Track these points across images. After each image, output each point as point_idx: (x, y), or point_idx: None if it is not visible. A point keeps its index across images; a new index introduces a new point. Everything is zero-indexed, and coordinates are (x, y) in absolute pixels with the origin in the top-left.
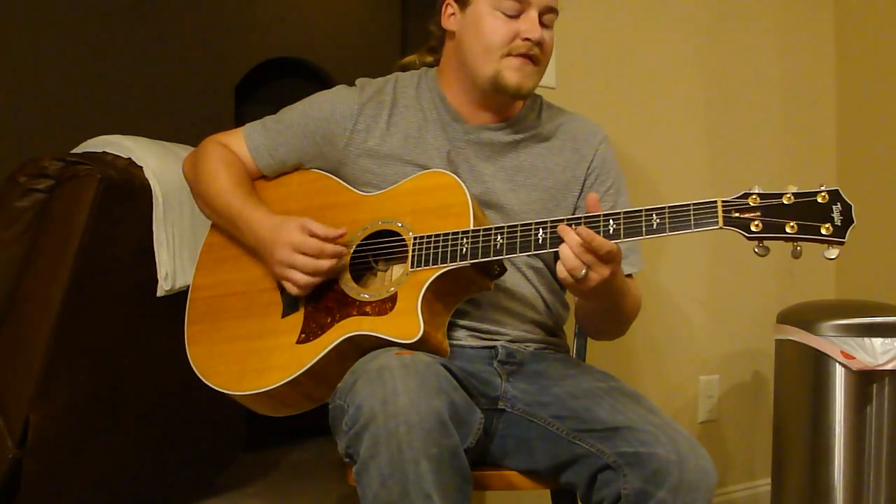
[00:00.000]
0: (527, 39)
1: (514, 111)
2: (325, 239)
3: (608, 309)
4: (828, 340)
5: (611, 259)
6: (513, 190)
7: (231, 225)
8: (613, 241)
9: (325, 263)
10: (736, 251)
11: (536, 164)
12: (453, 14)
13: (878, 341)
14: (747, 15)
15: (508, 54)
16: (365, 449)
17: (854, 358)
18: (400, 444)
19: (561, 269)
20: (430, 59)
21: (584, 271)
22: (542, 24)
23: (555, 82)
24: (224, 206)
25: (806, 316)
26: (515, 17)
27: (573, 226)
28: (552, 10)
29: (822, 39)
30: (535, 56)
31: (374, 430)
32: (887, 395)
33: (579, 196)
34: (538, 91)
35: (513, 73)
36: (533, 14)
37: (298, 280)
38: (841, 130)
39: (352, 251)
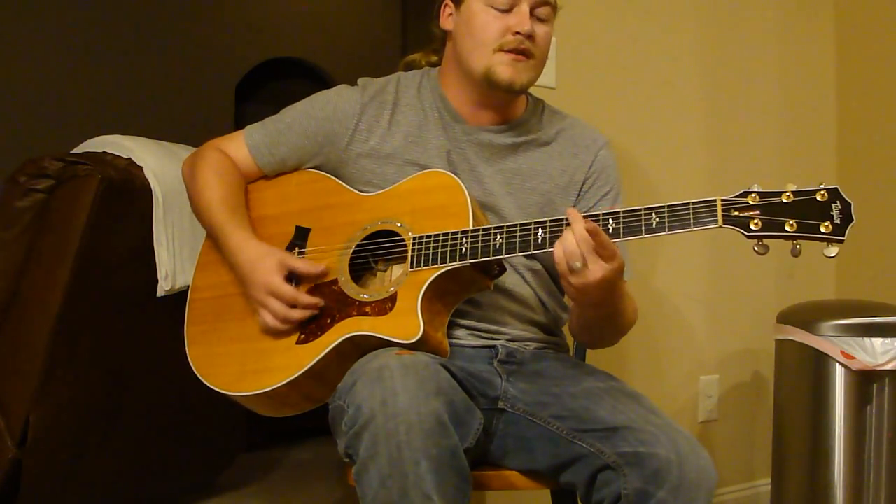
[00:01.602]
0: (517, 34)
1: (516, 113)
2: (306, 275)
3: (607, 317)
4: (828, 340)
5: (609, 257)
6: (510, 193)
7: (215, 242)
8: (613, 240)
9: (296, 314)
10: (736, 251)
11: (535, 168)
12: (451, 14)
13: (878, 341)
14: (747, 15)
15: (500, 49)
16: (364, 449)
17: (854, 358)
18: (399, 445)
19: (559, 256)
20: (434, 58)
21: (579, 263)
22: (537, 18)
23: (555, 82)
24: (209, 221)
25: (806, 316)
26: (507, 11)
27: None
28: (546, 3)
29: (822, 40)
30: (528, 50)
31: (373, 431)
32: (887, 395)
33: (576, 201)
34: (541, 95)
35: (505, 69)
36: (524, 8)
37: (268, 322)
38: (841, 131)
39: (351, 251)
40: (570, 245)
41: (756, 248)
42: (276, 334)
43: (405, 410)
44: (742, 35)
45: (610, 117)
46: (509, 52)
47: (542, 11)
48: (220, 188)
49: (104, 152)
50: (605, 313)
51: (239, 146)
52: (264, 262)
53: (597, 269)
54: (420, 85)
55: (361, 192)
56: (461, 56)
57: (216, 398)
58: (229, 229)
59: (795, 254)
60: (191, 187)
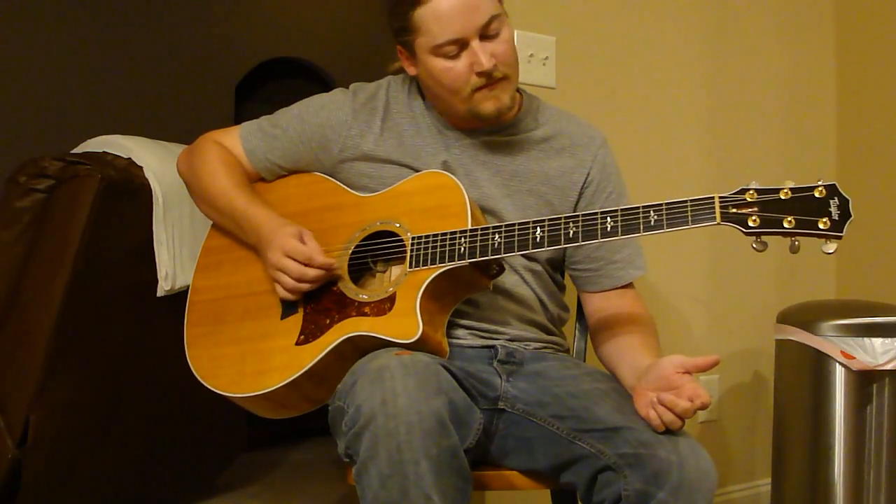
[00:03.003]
0: (480, 73)
1: (511, 115)
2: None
3: None
4: (828, 340)
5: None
6: (508, 196)
7: (234, 224)
8: (611, 238)
9: (311, 272)
10: (736, 251)
11: (532, 169)
12: (408, 58)
13: (878, 341)
14: (747, 14)
15: (473, 91)
16: (364, 449)
17: (854, 358)
18: (399, 445)
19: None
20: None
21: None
22: (490, 37)
23: (555, 82)
24: (227, 205)
25: (806, 316)
26: (459, 55)
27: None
28: (492, 20)
29: (822, 39)
30: (498, 75)
31: (373, 431)
32: (887, 395)
33: (577, 202)
34: (541, 95)
35: (486, 104)
36: (474, 44)
37: (286, 283)
38: (841, 130)
39: (350, 252)
40: (673, 422)
41: (755, 245)
42: (277, 334)
43: (405, 410)
44: (742, 34)
45: (610, 117)
46: (482, 88)
47: (493, 28)
48: (232, 176)
49: (104, 152)
50: None
51: (235, 144)
52: (285, 229)
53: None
54: (409, 90)
55: (360, 194)
56: (438, 98)
57: (216, 398)
58: (253, 210)
59: (794, 250)
60: (198, 178)
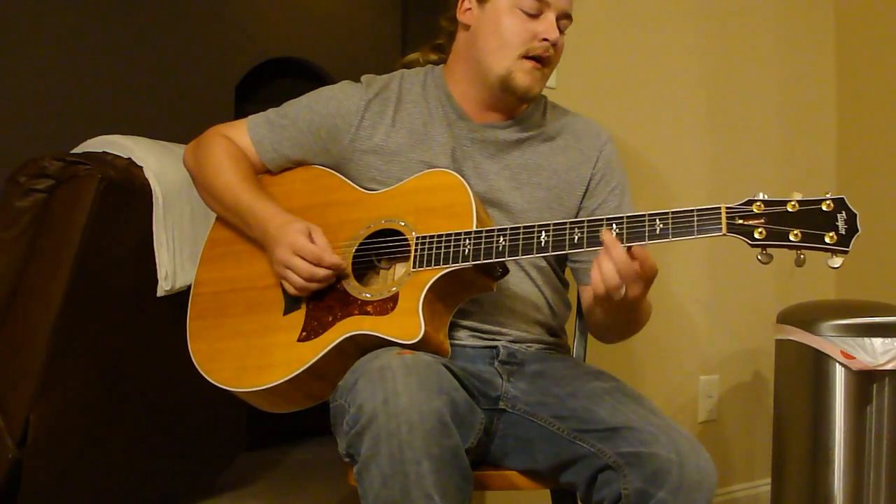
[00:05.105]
0: (545, 40)
1: (520, 110)
2: (323, 251)
3: (629, 320)
4: (828, 340)
5: (649, 276)
6: (517, 188)
7: (239, 219)
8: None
9: (321, 272)
10: (737, 252)
11: (541, 163)
12: (470, 9)
13: (878, 341)
14: (748, 17)
15: (525, 56)
16: (366, 449)
17: (854, 358)
18: (401, 444)
19: (598, 283)
20: (433, 56)
21: (623, 291)
22: (559, 28)
23: (555, 83)
24: (232, 200)
25: (806, 316)
26: (535, 16)
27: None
28: (568, 17)
29: (822, 41)
30: (549, 58)
31: (375, 430)
32: (887, 395)
33: (584, 196)
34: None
35: (525, 76)
36: (551, 16)
37: (295, 282)
38: (841, 131)
39: (354, 249)
40: (611, 277)
41: (760, 257)
42: (279, 329)
43: (407, 410)
44: (742, 37)
45: (610, 118)
46: (532, 59)
47: (563, 24)
48: (238, 171)
49: (104, 152)
50: (633, 317)
51: (242, 137)
52: (293, 225)
53: (636, 289)
54: (425, 82)
55: (366, 189)
56: (479, 54)
57: (216, 398)
58: (259, 205)
59: (799, 264)
60: (203, 172)
